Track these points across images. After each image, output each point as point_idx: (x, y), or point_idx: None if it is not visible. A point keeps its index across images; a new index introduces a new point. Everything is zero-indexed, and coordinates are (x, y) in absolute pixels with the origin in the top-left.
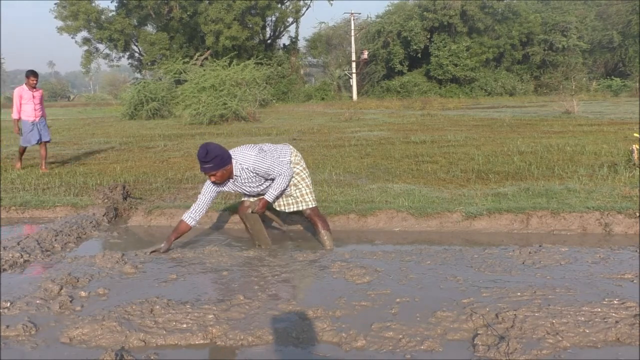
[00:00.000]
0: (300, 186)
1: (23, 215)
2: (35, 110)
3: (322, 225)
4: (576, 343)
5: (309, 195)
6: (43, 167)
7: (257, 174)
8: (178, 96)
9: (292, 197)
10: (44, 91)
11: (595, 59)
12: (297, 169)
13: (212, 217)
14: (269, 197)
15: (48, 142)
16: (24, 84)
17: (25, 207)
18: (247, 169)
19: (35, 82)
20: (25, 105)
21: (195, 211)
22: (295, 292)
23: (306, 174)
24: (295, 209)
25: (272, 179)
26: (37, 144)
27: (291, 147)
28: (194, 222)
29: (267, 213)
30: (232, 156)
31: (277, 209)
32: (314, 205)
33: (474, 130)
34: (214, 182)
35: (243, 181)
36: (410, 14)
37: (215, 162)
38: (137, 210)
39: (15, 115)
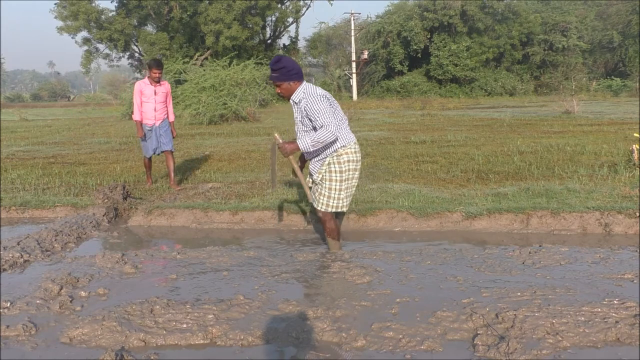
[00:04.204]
0: (325, 185)
1: (23, 215)
2: (155, 110)
3: (327, 233)
4: (576, 343)
5: (324, 199)
6: (172, 183)
7: (303, 109)
8: (178, 96)
9: (316, 189)
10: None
11: (595, 59)
12: (334, 167)
13: (212, 217)
14: (301, 143)
15: (171, 151)
16: (146, 77)
17: (25, 207)
18: (303, 99)
19: (158, 75)
20: (145, 103)
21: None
22: (295, 292)
23: (340, 178)
24: (314, 203)
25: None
26: (155, 154)
27: (355, 139)
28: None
29: (296, 168)
30: (305, 82)
31: (309, 184)
32: (323, 210)
33: (474, 130)
34: (279, 95)
35: (299, 110)
36: (410, 14)
37: (282, 72)
38: (137, 210)
39: (136, 117)
